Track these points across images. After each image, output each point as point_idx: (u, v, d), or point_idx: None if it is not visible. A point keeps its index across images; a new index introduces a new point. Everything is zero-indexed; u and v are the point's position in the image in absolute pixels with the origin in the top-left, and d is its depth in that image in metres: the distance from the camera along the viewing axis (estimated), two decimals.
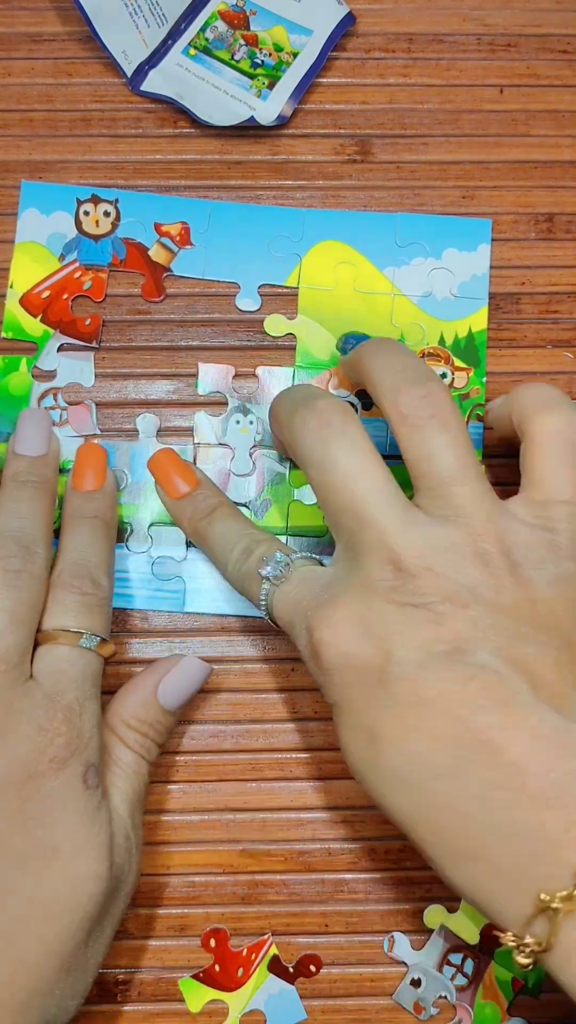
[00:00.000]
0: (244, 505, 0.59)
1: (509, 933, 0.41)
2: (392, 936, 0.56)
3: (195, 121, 0.63)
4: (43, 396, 0.60)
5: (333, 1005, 0.55)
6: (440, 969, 0.55)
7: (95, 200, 0.62)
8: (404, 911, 0.56)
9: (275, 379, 0.61)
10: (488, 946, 0.55)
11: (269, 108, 0.63)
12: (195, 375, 0.61)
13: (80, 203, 0.62)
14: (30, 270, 0.62)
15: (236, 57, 0.64)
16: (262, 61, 0.64)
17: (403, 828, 0.45)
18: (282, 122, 0.63)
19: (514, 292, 0.62)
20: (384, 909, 0.56)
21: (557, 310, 0.62)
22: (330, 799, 0.57)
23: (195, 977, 0.55)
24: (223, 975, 0.55)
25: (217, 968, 0.55)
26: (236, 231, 0.62)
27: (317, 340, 0.61)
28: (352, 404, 0.60)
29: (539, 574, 0.46)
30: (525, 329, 0.62)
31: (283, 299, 0.62)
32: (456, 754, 0.42)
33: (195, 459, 0.60)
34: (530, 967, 0.40)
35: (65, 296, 0.61)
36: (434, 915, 0.55)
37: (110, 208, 0.62)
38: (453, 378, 0.60)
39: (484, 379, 0.60)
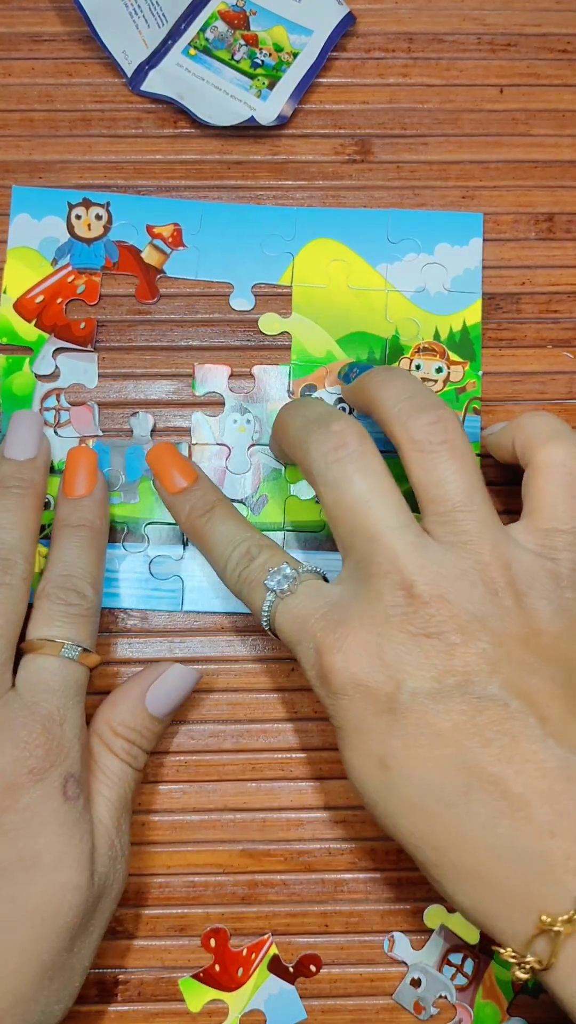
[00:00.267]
0: (240, 502, 0.59)
1: (509, 949, 0.43)
2: (392, 936, 0.55)
3: (195, 121, 0.63)
4: (46, 396, 0.60)
5: (333, 1005, 0.55)
6: (440, 969, 0.55)
7: (86, 204, 0.62)
8: (404, 911, 0.56)
9: (271, 378, 0.61)
10: (488, 946, 0.54)
11: (269, 108, 0.63)
12: (192, 375, 0.61)
13: (71, 207, 0.62)
14: (23, 275, 0.62)
15: (236, 57, 0.64)
16: (262, 61, 0.64)
17: (409, 850, 0.46)
18: (282, 122, 0.63)
19: (514, 292, 0.62)
20: (384, 909, 0.56)
21: (557, 310, 0.62)
22: (330, 799, 0.57)
23: (195, 977, 0.55)
24: (223, 975, 0.55)
25: (217, 968, 0.55)
26: (228, 231, 0.62)
27: (312, 338, 0.61)
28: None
29: (543, 604, 0.46)
30: (525, 329, 0.62)
31: (277, 298, 0.62)
32: (466, 783, 0.44)
33: (191, 457, 0.60)
34: (527, 982, 0.41)
35: (59, 300, 0.61)
36: (434, 915, 0.55)
37: (102, 211, 0.62)
38: (449, 372, 0.60)
39: (480, 372, 0.60)
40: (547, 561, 0.48)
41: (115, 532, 0.58)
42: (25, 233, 0.62)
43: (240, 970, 0.55)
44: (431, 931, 0.55)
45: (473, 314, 0.61)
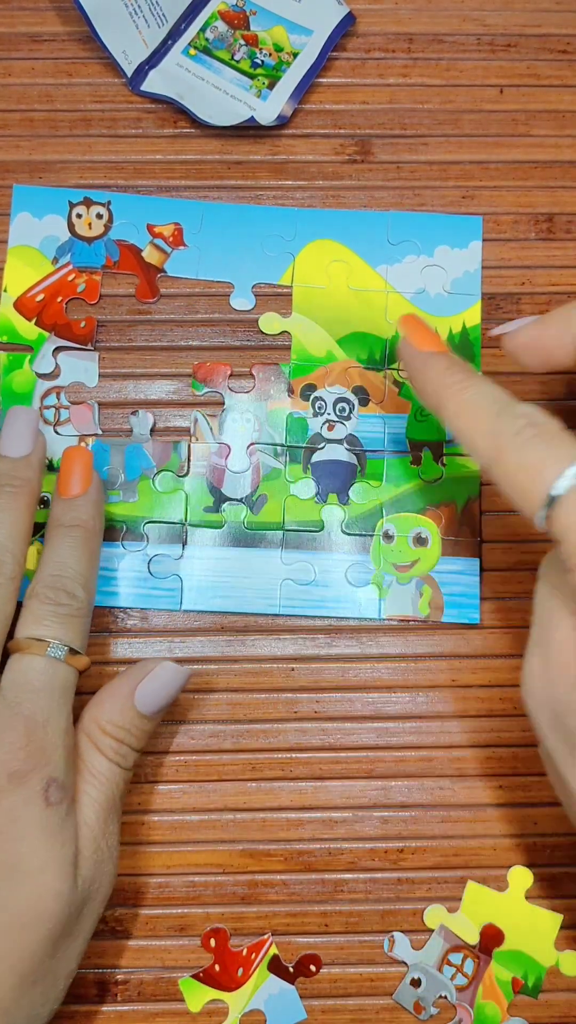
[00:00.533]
0: (240, 501, 0.59)
1: None
2: (392, 936, 0.55)
3: (195, 121, 0.63)
4: (46, 394, 0.60)
5: (333, 1005, 0.55)
6: (440, 969, 0.55)
7: (87, 203, 0.62)
8: (404, 911, 0.56)
9: (271, 377, 0.61)
10: (488, 946, 0.55)
11: (269, 108, 0.63)
12: (192, 374, 0.61)
13: (72, 206, 0.62)
14: (23, 274, 0.62)
15: (236, 57, 0.64)
16: (262, 61, 0.64)
17: None
18: (282, 122, 0.63)
19: (514, 292, 0.62)
20: (384, 909, 0.56)
21: None
22: (330, 799, 0.57)
23: (195, 977, 0.55)
24: (223, 975, 0.55)
25: (217, 968, 0.55)
26: (229, 231, 0.62)
27: (312, 338, 0.61)
28: (349, 400, 0.60)
29: None
30: None
31: (277, 298, 0.62)
32: None
33: (191, 456, 0.60)
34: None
35: (59, 299, 0.61)
36: (434, 915, 0.55)
37: (102, 210, 0.62)
38: None
39: (480, 374, 0.60)
40: None
41: (114, 531, 0.59)
42: (26, 232, 0.62)
43: (240, 970, 0.55)
44: (431, 931, 0.55)
45: (473, 316, 0.61)
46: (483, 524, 0.59)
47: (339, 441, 0.60)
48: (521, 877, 0.56)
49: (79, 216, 0.62)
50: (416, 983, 0.54)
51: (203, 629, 0.58)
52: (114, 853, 0.51)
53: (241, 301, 0.62)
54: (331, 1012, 0.55)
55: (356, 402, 0.60)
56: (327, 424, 0.60)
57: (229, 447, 0.60)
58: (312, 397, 0.60)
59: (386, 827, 0.57)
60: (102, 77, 0.64)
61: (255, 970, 0.55)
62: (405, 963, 0.55)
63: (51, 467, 0.59)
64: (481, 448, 0.45)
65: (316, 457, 0.59)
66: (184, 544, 0.59)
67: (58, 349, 0.61)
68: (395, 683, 0.58)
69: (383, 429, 0.60)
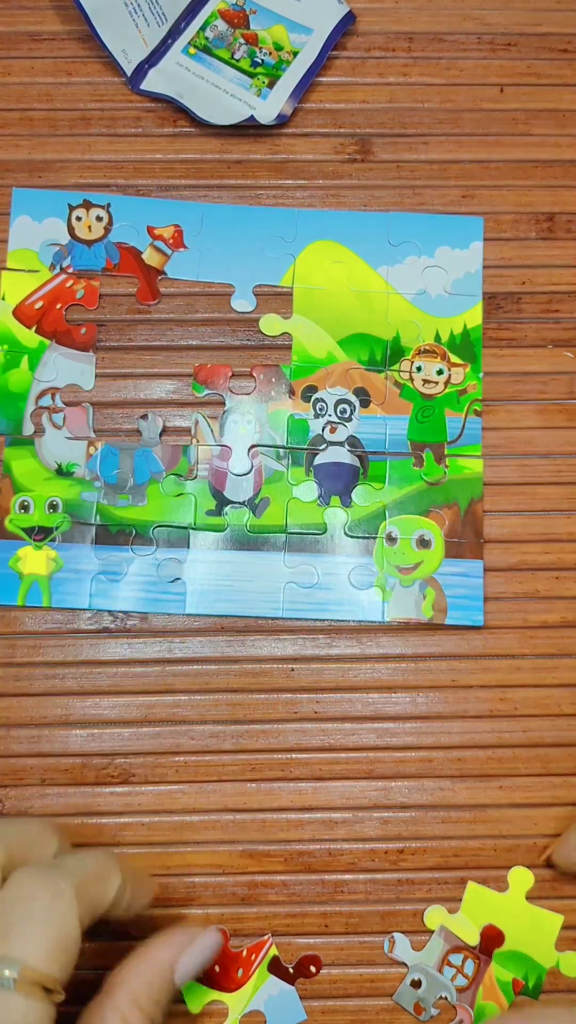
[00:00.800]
0: (242, 504, 0.59)
1: None
2: (392, 937, 0.55)
3: (195, 120, 0.63)
4: (41, 395, 0.60)
5: (333, 1006, 0.55)
6: (440, 970, 0.55)
7: (87, 205, 0.62)
8: (404, 912, 0.56)
9: (272, 379, 0.61)
10: (488, 947, 0.55)
11: (269, 107, 0.63)
12: (193, 375, 0.61)
13: (72, 208, 0.62)
14: (21, 281, 0.61)
15: (236, 56, 0.64)
16: (262, 60, 0.64)
17: None
18: (282, 121, 0.63)
19: (515, 291, 0.62)
20: (384, 910, 0.56)
21: (558, 309, 0.62)
22: (330, 799, 0.57)
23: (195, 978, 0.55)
24: (223, 975, 0.55)
25: (217, 968, 0.55)
26: (229, 233, 0.62)
27: (313, 339, 0.61)
28: (350, 402, 0.60)
29: None
30: (526, 328, 0.62)
31: (278, 299, 0.62)
32: None
33: (196, 459, 0.60)
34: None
35: (59, 306, 0.61)
36: (434, 916, 0.55)
37: (102, 213, 0.62)
38: (450, 374, 0.60)
39: (481, 375, 0.60)
40: None
41: (124, 535, 0.58)
42: (26, 235, 0.62)
43: (240, 971, 0.55)
44: (431, 932, 0.55)
45: (474, 317, 0.61)
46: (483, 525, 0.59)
47: (340, 443, 0.60)
48: (522, 878, 0.56)
49: (79, 219, 0.62)
50: (416, 984, 0.54)
51: (203, 630, 0.58)
52: None
53: (242, 302, 0.61)
54: (331, 1013, 0.55)
55: (357, 403, 0.60)
56: (328, 426, 0.60)
57: (230, 449, 0.60)
58: (313, 398, 0.60)
59: (386, 828, 0.57)
60: (102, 76, 0.64)
61: (255, 971, 0.55)
62: (405, 964, 0.55)
63: (60, 471, 0.59)
64: None
65: (318, 459, 0.59)
66: (190, 548, 0.59)
67: (55, 349, 0.61)
68: (395, 684, 0.58)
69: (384, 430, 0.60)
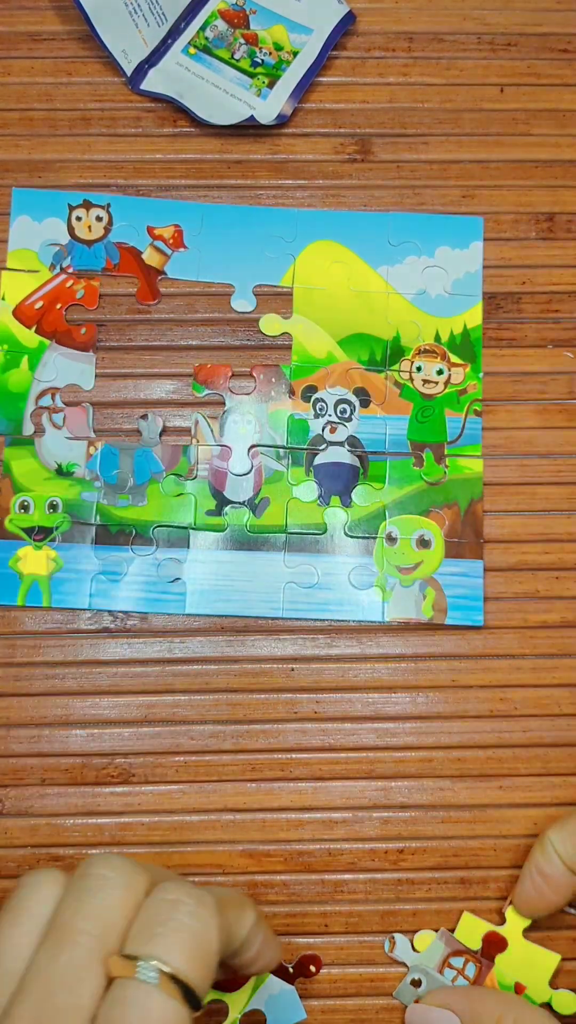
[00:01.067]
0: (242, 504, 0.59)
1: None
2: (393, 937, 0.55)
3: (195, 120, 0.63)
4: (41, 395, 0.60)
5: (333, 1005, 0.55)
6: (441, 971, 0.54)
7: (87, 205, 0.62)
8: (404, 912, 0.56)
9: (271, 379, 0.61)
10: (490, 952, 0.54)
11: (269, 107, 0.63)
12: (193, 375, 0.61)
13: (72, 208, 0.62)
14: (21, 281, 0.62)
15: (236, 56, 0.64)
16: (262, 60, 0.64)
17: None
18: (282, 121, 0.63)
19: (515, 291, 0.62)
20: (384, 909, 0.56)
21: (558, 309, 0.62)
22: (330, 799, 0.57)
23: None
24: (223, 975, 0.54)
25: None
26: (229, 233, 0.62)
27: (313, 339, 0.61)
28: (350, 402, 0.60)
29: None
30: (526, 328, 0.62)
31: (278, 299, 0.62)
32: None
33: (196, 459, 0.60)
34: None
35: (58, 306, 0.61)
36: (424, 940, 0.55)
37: (102, 213, 0.62)
38: (450, 375, 0.60)
39: (481, 375, 0.60)
40: None
41: (124, 535, 0.59)
42: (25, 235, 0.62)
43: None
44: (433, 931, 0.55)
45: (474, 317, 0.61)
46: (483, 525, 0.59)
47: (340, 443, 0.60)
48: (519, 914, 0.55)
49: (79, 219, 0.62)
50: (416, 983, 0.54)
51: (203, 629, 0.58)
52: None
53: (242, 302, 0.61)
54: (331, 1012, 0.55)
55: (357, 403, 0.60)
56: (328, 426, 0.60)
57: (230, 449, 0.60)
58: (313, 398, 0.60)
59: (386, 828, 0.57)
60: (102, 76, 0.64)
61: None
62: (405, 965, 0.55)
63: (60, 471, 0.59)
64: None
65: (318, 459, 0.60)
66: (190, 548, 0.59)
67: (55, 349, 0.61)
68: (395, 683, 0.58)
69: (384, 430, 0.60)
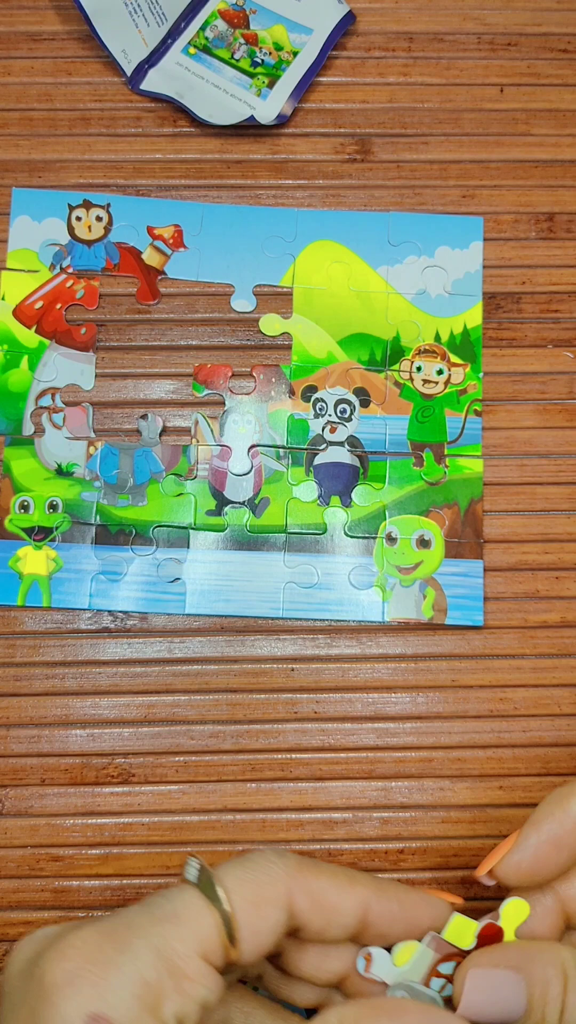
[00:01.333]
0: (242, 504, 0.59)
1: None
2: (368, 952, 0.45)
3: (195, 120, 0.63)
4: (41, 395, 0.60)
5: None
6: (427, 983, 0.46)
7: (87, 205, 0.62)
8: None
9: (272, 378, 0.61)
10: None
11: (269, 107, 0.63)
12: (193, 375, 0.61)
13: (72, 208, 0.62)
14: (21, 281, 0.62)
15: (236, 56, 0.64)
16: (262, 60, 0.64)
17: None
18: (282, 121, 0.63)
19: (515, 291, 0.62)
20: None
21: (558, 309, 0.62)
22: (330, 799, 0.57)
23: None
24: None
25: None
26: (229, 232, 0.62)
27: (313, 339, 0.61)
28: (350, 402, 0.60)
29: None
30: (526, 329, 0.62)
31: (278, 299, 0.62)
32: None
33: (196, 459, 0.60)
34: None
35: (58, 306, 0.61)
36: (407, 952, 0.46)
37: (102, 213, 0.62)
38: (450, 374, 0.60)
39: (481, 375, 0.60)
40: None
41: (124, 535, 0.59)
42: (25, 235, 0.62)
43: None
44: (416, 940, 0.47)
45: (474, 317, 0.61)
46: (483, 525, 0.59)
47: (340, 443, 0.60)
48: (517, 910, 0.47)
49: (79, 219, 0.62)
50: None
51: (203, 629, 0.58)
52: None
53: (242, 302, 0.61)
54: None
55: (357, 403, 0.60)
56: (328, 426, 0.60)
57: (230, 449, 0.60)
58: (313, 398, 0.60)
59: (386, 828, 0.57)
60: (101, 76, 0.64)
61: None
62: (385, 983, 0.45)
63: (60, 471, 0.59)
64: None
65: (318, 459, 0.60)
66: (188, 548, 0.59)
67: (55, 349, 0.61)
68: (395, 683, 0.58)
69: (384, 430, 0.60)
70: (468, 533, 0.59)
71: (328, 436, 0.60)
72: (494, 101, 0.65)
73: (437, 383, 0.60)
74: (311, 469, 0.59)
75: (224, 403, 0.61)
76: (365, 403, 0.60)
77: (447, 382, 0.60)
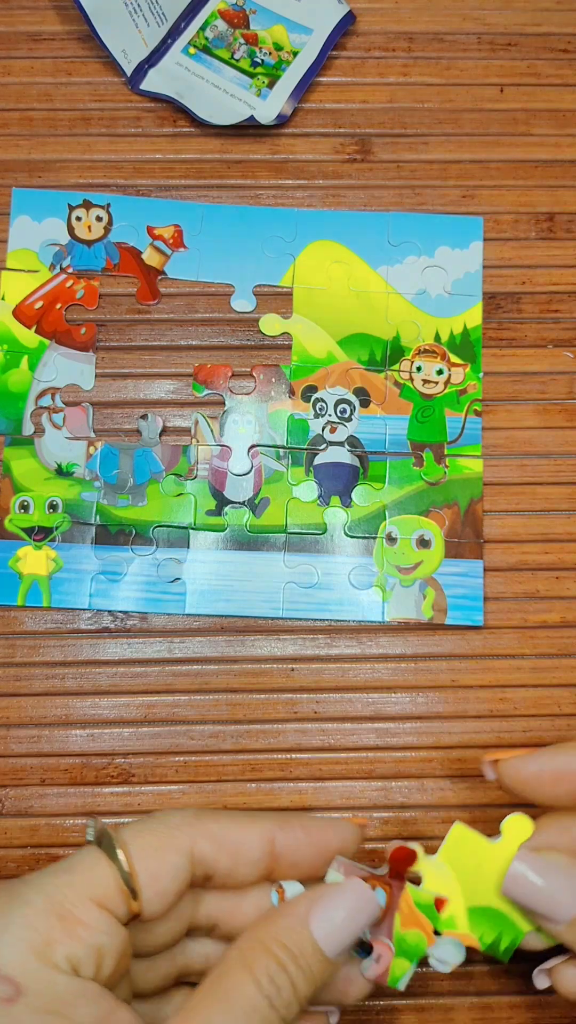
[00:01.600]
0: (242, 504, 0.59)
1: None
2: (280, 885, 0.46)
3: (195, 120, 0.63)
4: (41, 395, 0.60)
5: None
6: None
7: (87, 205, 0.62)
8: None
9: (271, 379, 0.61)
10: (399, 870, 0.48)
11: (269, 107, 0.63)
12: (193, 375, 0.61)
13: (72, 208, 0.62)
14: (21, 281, 0.62)
15: (236, 56, 0.64)
16: (262, 60, 0.64)
17: None
18: (282, 121, 0.63)
19: (515, 291, 0.62)
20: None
21: (558, 309, 0.62)
22: (330, 800, 0.57)
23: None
24: None
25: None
26: (229, 232, 0.62)
27: (313, 339, 0.61)
28: (350, 402, 0.60)
29: None
30: (526, 329, 0.62)
31: (278, 299, 0.62)
32: None
33: (196, 459, 0.60)
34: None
35: (58, 306, 0.61)
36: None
37: (102, 213, 0.62)
38: (450, 374, 0.60)
39: (481, 375, 0.60)
40: None
41: (124, 535, 0.59)
42: (25, 235, 0.62)
43: None
44: None
45: (474, 317, 0.61)
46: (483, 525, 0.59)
47: (340, 443, 0.60)
48: (519, 827, 0.48)
49: (79, 219, 0.62)
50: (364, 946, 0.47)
51: (203, 630, 0.58)
52: None
53: (242, 302, 0.61)
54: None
55: (357, 403, 0.60)
56: (328, 426, 0.60)
57: (230, 449, 0.60)
58: (313, 398, 0.60)
59: (386, 828, 0.57)
60: (101, 76, 0.64)
61: None
62: None
63: (60, 471, 0.59)
64: None
65: (318, 459, 0.60)
66: (188, 548, 0.59)
67: (55, 349, 0.61)
68: (395, 683, 0.58)
69: (384, 430, 0.60)
70: (468, 533, 0.59)
71: (328, 436, 0.60)
72: (494, 101, 0.65)
73: (437, 383, 0.60)
74: (311, 469, 0.59)
75: (224, 403, 0.61)
76: (365, 403, 0.60)
77: (447, 382, 0.60)
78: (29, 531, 0.59)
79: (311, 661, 0.58)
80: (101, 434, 0.60)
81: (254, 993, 0.38)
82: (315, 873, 0.45)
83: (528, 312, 0.62)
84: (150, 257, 0.62)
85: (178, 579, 0.58)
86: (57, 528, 0.59)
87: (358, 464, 0.60)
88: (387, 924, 0.46)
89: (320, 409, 0.60)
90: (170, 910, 0.42)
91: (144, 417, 0.60)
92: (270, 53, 0.64)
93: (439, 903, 0.47)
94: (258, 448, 0.60)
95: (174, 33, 0.64)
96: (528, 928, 0.47)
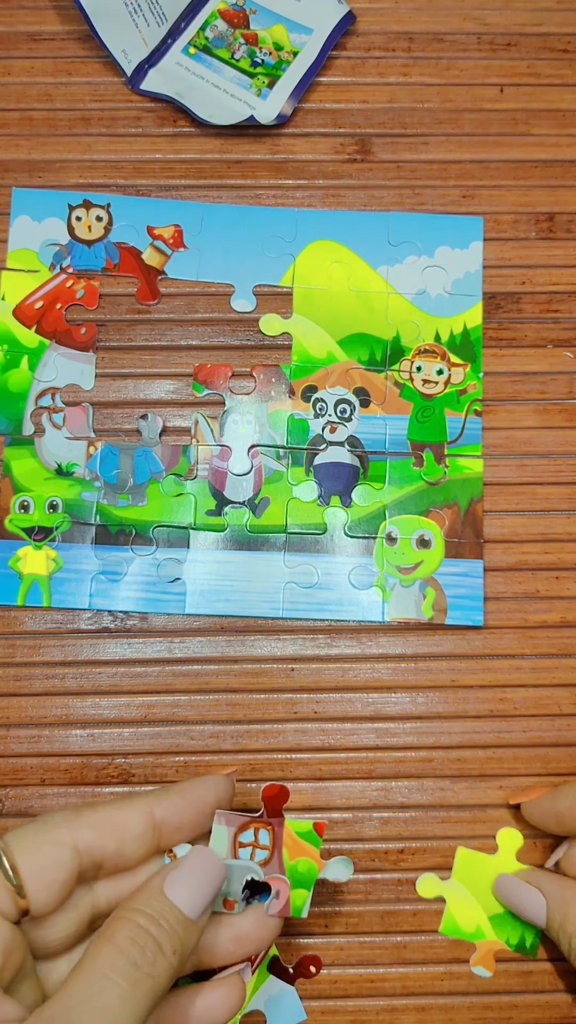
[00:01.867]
0: (242, 504, 0.59)
1: None
2: (171, 851, 0.48)
3: (195, 120, 0.63)
4: (41, 395, 0.60)
5: (333, 1006, 0.55)
6: (235, 855, 0.49)
7: (87, 205, 0.62)
8: (404, 912, 0.56)
9: (272, 379, 0.61)
10: (275, 807, 0.51)
11: (269, 107, 0.63)
12: (193, 375, 0.61)
13: (72, 208, 0.62)
14: (21, 281, 0.62)
15: (236, 56, 0.64)
16: (262, 60, 0.64)
17: None
18: (282, 121, 0.63)
19: (515, 291, 0.62)
20: (384, 910, 0.56)
21: (558, 309, 0.62)
22: (330, 799, 0.57)
23: (195, 978, 0.54)
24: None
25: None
26: (229, 233, 0.62)
27: (313, 339, 0.61)
28: (350, 402, 0.60)
29: None
30: (526, 329, 0.62)
31: (278, 299, 0.62)
32: None
33: (196, 459, 0.60)
34: None
35: (58, 306, 0.61)
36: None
37: (102, 213, 0.62)
38: (450, 374, 0.60)
39: (481, 375, 0.60)
40: None
41: (124, 535, 0.59)
42: (26, 235, 0.62)
43: None
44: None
45: (474, 317, 0.61)
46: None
47: (340, 443, 0.60)
48: (510, 838, 0.56)
49: (79, 219, 0.62)
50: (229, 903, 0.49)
51: (203, 629, 0.58)
52: None
53: (242, 302, 0.61)
54: (331, 1013, 0.55)
55: (357, 403, 0.60)
56: (328, 426, 0.60)
57: (230, 449, 0.60)
58: (313, 398, 0.60)
59: (386, 828, 0.57)
60: (101, 76, 0.64)
61: (255, 971, 0.54)
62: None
63: (60, 471, 0.59)
64: None
65: (318, 459, 0.60)
66: (188, 548, 0.59)
67: (55, 349, 0.61)
68: (395, 683, 0.58)
69: (384, 430, 0.60)
70: (468, 533, 0.59)
71: (328, 436, 0.60)
72: (494, 101, 0.65)
73: (437, 383, 0.60)
74: (311, 469, 0.59)
75: (224, 403, 0.61)
76: (365, 403, 0.60)
77: (447, 382, 0.60)
78: (29, 531, 0.59)
79: (311, 661, 0.58)
80: (101, 434, 0.60)
81: (114, 955, 0.40)
82: (201, 831, 0.48)
83: (528, 312, 0.62)
84: (150, 257, 0.62)
85: (178, 579, 0.58)
86: (57, 528, 0.59)
87: (358, 464, 0.60)
88: (277, 861, 0.50)
89: (320, 409, 0.60)
90: (62, 903, 0.44)
91: (144, 417, 0.60)
92: (270, 53, 0.64)
93: (318, 827, 0.50)
94: (258, 448, 0.60)
95: (174, 33, 0.64)
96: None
